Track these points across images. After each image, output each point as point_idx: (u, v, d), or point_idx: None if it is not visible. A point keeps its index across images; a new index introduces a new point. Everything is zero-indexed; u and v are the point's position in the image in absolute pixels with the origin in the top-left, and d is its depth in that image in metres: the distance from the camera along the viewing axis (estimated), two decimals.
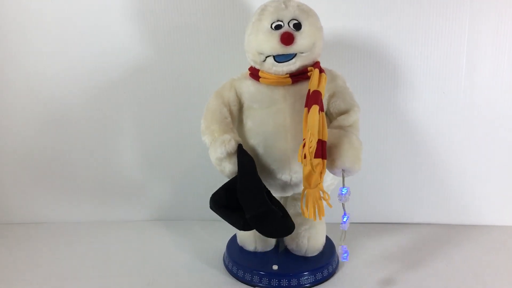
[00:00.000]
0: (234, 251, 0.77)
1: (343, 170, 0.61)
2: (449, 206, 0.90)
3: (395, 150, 0.89)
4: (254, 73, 0.69)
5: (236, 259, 0.74)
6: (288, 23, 0.64)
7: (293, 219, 0.65)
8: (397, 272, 0.73)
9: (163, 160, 0.94)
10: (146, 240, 0.88)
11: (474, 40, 0.82)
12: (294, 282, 0.69)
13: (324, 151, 0.60)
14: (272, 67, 0.66)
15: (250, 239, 0.75)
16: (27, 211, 0.97)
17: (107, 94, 0.90)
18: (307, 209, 0.62)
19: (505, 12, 0.80)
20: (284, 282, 0.69)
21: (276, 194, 0.71)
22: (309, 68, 0.66)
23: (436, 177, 0.89)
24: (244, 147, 0.65)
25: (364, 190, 0.89)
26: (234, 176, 0.65)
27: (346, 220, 0.63)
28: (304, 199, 0.62)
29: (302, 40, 0.64)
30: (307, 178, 0.60)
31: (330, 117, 0.69)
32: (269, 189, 0.66)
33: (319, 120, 0.60)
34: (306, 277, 0.70)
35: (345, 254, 0.66)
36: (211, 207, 0.65)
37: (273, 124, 0.67)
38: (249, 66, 0.71)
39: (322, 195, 0.61)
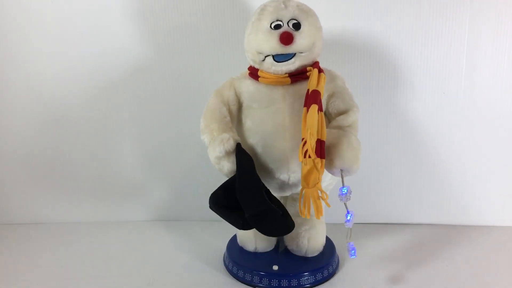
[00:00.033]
0: (234, 251, 0.77)
1: (341, 170, 0.61)
2: (449, 206, 0.90)
3: (395, 150, 0.89)
4: (254, 73, 0.69)
5: (236, 260, 0.74)
6: (288, 23, 0.64)
7: (293, 219, 0.65)
8: (397, 273, 0.73)
9: (163, 160, 0.93)
10: (146, 241, 0.88)
11: (474, 40, 0.82)
12: (294, 282, 0.69)
13: (322, 151, 0.60)
14: (271, 67, 0.66)
15: (250, 239, 0.75)
16: (27, 211, 0.97)
17: (107, 94, 0.90)
18: (305, 208, 0.62)
19: (505, 12, 0.80)
20: (284, 283, 0.69)
21: (275, 193, 0.71)
22: (308, 68, 0.66)
23: (436, 178, 0.89)
24: (242, 146, 0.65)
25: (364, 190, 0.89)
26: (232, 175, 0.65)
27: (350, 218, 0.63)
28: (302, 199, 0.62)
29: (301, 40, 0.64)
30: (306, 178, 0.61)
31: (329, 117, 0.69)
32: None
33: (318, 120, 0.60)
34: (306, 277, 0.70)
35: (353, 251, 0.66)
36: (210, 207, 0.65)
37: (272, 124, 0.67)
38: (248, 66, 0.71)
39: (320, 194, 0.61)
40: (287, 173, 0.67)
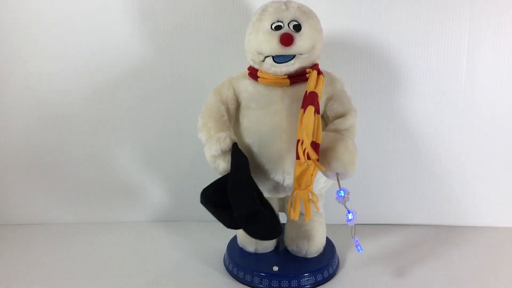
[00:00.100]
0: (234, 252, 0.77)
1: (337, 174, 0.61)
2: (449, 207, 0.90)
3: (394, 151, 0.89)
4: (253, 73, 0.69)
5: (237, 260, 0.74)
6: (288, 24, 0.64)
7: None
8: (397, 273, 0.73)
9: (163, 161, 0.93)
10: (146, 241, 0.88)
11: (474, 40, 0.81)
12: (294, 283, 0.69)
13: (317, 154, 0.60)
14: (270, 68, 0.66)
15: (250, 240, 0.75)
16: (26, 212, 0.97)
17: (107, 94, 0.90)
18: (294, 210, 0.62)
19: (506, 13, 0.80)
20: (284, 283, 0.69)
21: (269, 194, 0.71)
22: (307, 70, 0.66)
23: (436, 178, 0.89)
24: (239, 146, 0.65)
25: (363, 191, 0.89)
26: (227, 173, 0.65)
27: (353, 216, 0.63)
28: (292, 200, 0.63)
29: (301, 42, 0.64)
30: (298, 179, 0.61)
31: (326, 120, 0.69)
32: (261, 189, 0.66)
33: (314, 122, 0.60)
34: (307, 278, 0.70)
35: (359, 246, 0.66)
36: (201, 202, 0.64)
37: (270, 125, 0.67)
38: (248, 66, 0.71)
39: (310, 197, 0.61)
40: (282, 175, 0.67)
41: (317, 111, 0.61)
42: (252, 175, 0.64)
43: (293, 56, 0.65)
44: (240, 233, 0.77)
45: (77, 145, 0.93)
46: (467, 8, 0.80)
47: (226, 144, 0.63)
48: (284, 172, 0.67)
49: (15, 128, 0.92)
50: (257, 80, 0.68)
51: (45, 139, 0.92)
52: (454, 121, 0.86)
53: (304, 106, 0.62)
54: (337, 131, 0.65)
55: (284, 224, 0.78)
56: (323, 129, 0.66)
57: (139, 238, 0.89)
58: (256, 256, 0.75)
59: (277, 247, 0.77)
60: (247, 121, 0.69)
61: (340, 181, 0.62)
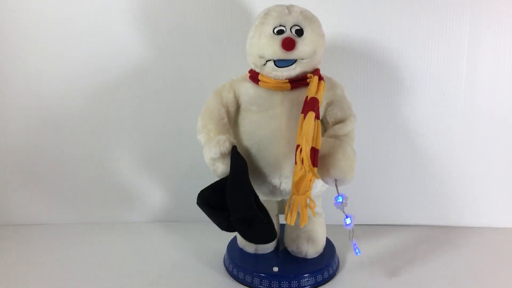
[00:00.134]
0: (234, 253, 0.77)
1: (335, 180, 0.61)
2: (449, 208, 0.90)
3: (393, 152, 0.89)
4: (254, 76, 0.69)
5: (237, 261, 0.74)
6: (291, 29, 0.64)
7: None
8: (397, 274, 0.74)
9: (163, 161, 0.93)
10: (146, 242, 0.88)
11: (474, 41, 0.81)
12: (294, 284, 0.69)
13: (315, 159, 0.60)
14: (272, 72, 0.66)
15: None
16: (27, 212, 0.97)
17: (107, 95, 0.90)
18: (291, 215, 0.62)
19: (506, 14, 0.80)
20: (284, 284, 0.69)
21: (265, 197, 0.71)
22: (308, 75, 0.66)
23: (436, 178, 0.89)
24: (237, 148, 0.65)
25: (363, 191, 0.89)
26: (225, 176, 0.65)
27: (351, 222, 0.63)
28: (290, 205, 0.63)
29: (303, 47, 0.64)
30: (296, 184, 0.61)
31: (326, 125, 0.69)
32: (258, 192, 0.66)
33: (314, 127, 0.60)
34: (307, 279, 0.70)
35: (357, 249, 0.66)
36: (197, 203, 0.64)
37: (269, 128, 0.67)
38: (249, 69, 0.71)
39: (308, 202, 0.61)
40: (279, 178, 0.67)
41: (317, 117, 0.61)
42: (250, 178, 0.64)
43: (295, 61, 0.65)
44: None
45: (77, 145, 0.92)
46: (467, 8, 0.80)
47: (226, 147, 0.63)
48: (281, 176, 0.67)
49: (15, 128, 0.92)
50: (258, 84, 0.68)
51: (45, 139, 0.92)
52: (454, 121, 0.86)
53: (304, 112, 0.62)
54: (336, 136, 0.65)
55: (284, 225, 0.78)
56: (322, 134, 0.66)
57: (139, 239, 0.89)
58: (256, 256, 0.75)
59: (277, 248, 0.77)
60: (246, 124, 0.69)
61: (338, 187, 0.62)
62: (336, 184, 0.62)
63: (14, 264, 0.80)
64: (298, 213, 0.65)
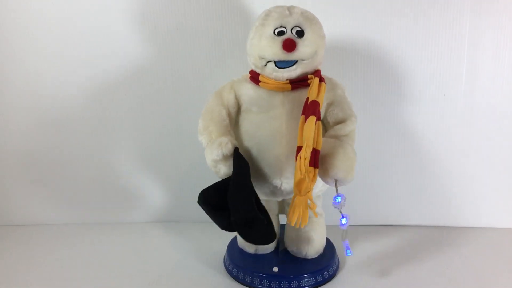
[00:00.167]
0: (234, 253, 0.77)
1: (336, 180, 0.61)
2: (449, 208, 0.90)
3: (393, 152, 0.89)
4: (255, 77, 0.68)
5: (237, 261, 0.74)
6: (291, 30, 0.64)
7: None
8: (397, 274, 0.74)
9: (163, 162, 0.93)
10: (146, 242, 0.88)
11: (474, 43, 0.81)
12: (294, 284, 0.69)
13: (316, 160, 0.60)
14: (272, 72, 0.66)
15: None
16: (27, 213, 0.97)
17: (107, 95, 0.89)
18: (293, 215, 0.62)
19: (506, 15, 0.80)
20: (284, 284, 0.69)
21: (266, 198, 0.72)
22: (309, 76, 0.66)
23: (436, 179, 0.89)
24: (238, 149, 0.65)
25: (362, 191, 0.89)
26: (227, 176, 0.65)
27: (346, 222, 0.63)
28: (292, 206, 0.62)
29: (304, 48, 0.64)
30: (298, 185, 0.61)
31: (326, 125, 0.69)
32: (259, 192, 0.66)
33: (315, 130, 0.60)
34: (307, 279, 0.70)
35: (348, 250, 0.66)
36: (198, 202, 0.65)
37: (269, 129, 0.67)
38: (249, 69, 0.71)
39: (309, 203, 0.61)
40: (280, 179, 0.67)
41: (318, 119, 0.61)
42: (251, 179, 0.64)
43: (295, 62, 0.64)
44: None
45: (77, 145, 0.92)
46: (467, 8, 0.80)
47: (228, 149, 0.63)
48: (282, 177, 0.67)
49: (15, 128, 0.92)
50: (258, 84, 0.68)
51: (45, 139, 0.92)
52: (454, 121, 0.86)
53: (305, 114, 0.62)
54: (336, 137, 0.65)
55: (284, 225, 0.78)
56: (323, 135, 0.66)
57: (139, 239, 0.89)
58: (256, 257, 0.75)
59: (277, 248, 0.77)
60: (247, 124, 0.69)
61: (338, 187, 0.62)
62: (336, 184, 0.62)
63: (14, 264, 0.80)
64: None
